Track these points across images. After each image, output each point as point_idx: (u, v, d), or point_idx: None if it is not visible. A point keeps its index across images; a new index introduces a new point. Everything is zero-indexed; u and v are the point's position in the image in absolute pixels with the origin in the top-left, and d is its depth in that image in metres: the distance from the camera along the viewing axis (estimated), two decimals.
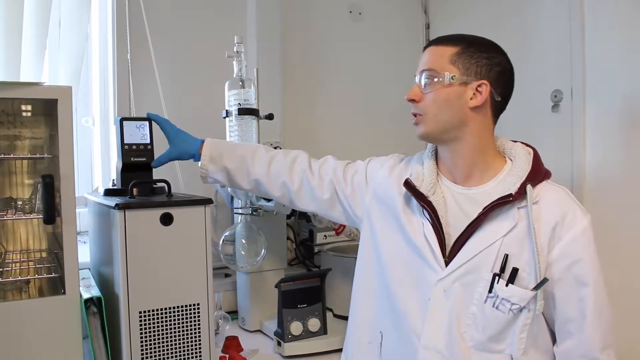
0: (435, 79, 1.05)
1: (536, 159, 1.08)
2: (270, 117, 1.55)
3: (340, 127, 2.18)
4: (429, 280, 1.05)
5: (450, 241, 1.06)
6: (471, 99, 1.04)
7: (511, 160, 1.09)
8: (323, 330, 1.43)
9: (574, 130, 1.67)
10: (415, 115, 1.09)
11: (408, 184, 1.11)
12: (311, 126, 2.13)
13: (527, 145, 1.12)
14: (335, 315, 1.56)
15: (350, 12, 2.22)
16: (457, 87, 1.04)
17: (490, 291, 1.00)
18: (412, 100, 1.08)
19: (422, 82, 1.07)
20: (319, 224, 1.51)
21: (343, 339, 1.40)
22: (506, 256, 1.00)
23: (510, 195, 1.01)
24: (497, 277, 1.00)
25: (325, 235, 1.83)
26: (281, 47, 1.98)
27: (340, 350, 1.39)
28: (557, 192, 1.05)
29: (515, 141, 1.13)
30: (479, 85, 1.04)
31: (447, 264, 1.04)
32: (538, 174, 1.05)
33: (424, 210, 1.08)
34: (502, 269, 1.00)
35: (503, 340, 1.01)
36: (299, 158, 1.31)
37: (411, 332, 1.06)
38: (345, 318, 1.53)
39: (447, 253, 1.05)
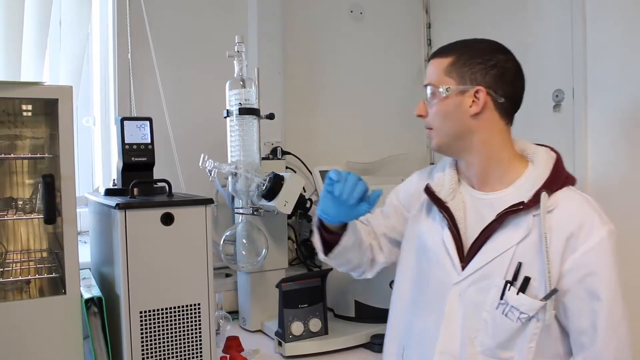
0: (434, 93, 1.06)
1: (557, 164, 1.05)
2: (271, 116, 1.55)
3: (341, 127, 2.18)
4: (445, 284, 1.05)
5: (468, 246, 1.05)
6: (470, 106, 1.03)
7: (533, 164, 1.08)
8: (324, 331, 1.43)
9: (576, 130, 1.66)
10: (428, 129, 1.10)
11: (428, 190, 1.11)
12: (312, 126, 2.12)
13: (552, 149, 1.09)
14: (336, 316, 1.56)
15: (352, 11, 2.22)
16: (455, 98, 1.04)
17: (501, 298, 0.99)
18: (420, 116, 1.09)
19: (426, 97, 1.08)
20: None
21: (344, 339, 1.41)
22: (519, 264, 0.99)
23: (521, 203, 0.99)
24: (508, 285, 0.99)
25: None
26: (282, 47, 1.98)
27: (340, 350, 1.40)
28: (576, 200, 1.01)
29: (541, 145, 1.11)
30: (476, 92, 1.03)
31: (464, 269, 1.04)
32: (557, 180, 1.02)
33: (442, 215, 1.08)
34: (515, 277, 0.99)
35: (512, 348, 0.99)
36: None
37: (428, 340, 1.06)
38: (346, 318, 1.54)
39: (464, 257, 1.05)
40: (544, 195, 0.99)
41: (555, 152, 1.09)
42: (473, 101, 1.03)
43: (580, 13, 1.65)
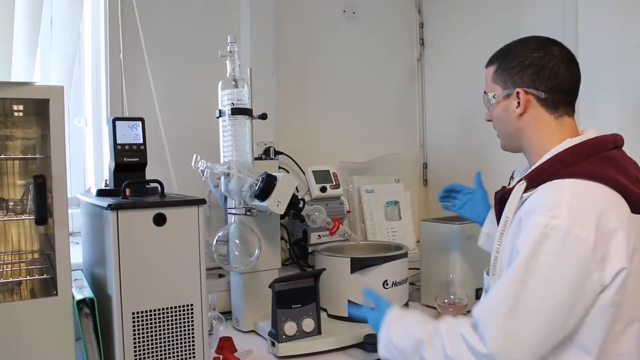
0: (487, 101, 1.17)
1: (562, 154, 1.03)
2: (263, 117, 1.55)
3: (334, 127, 2.18)
4: None
5: None
6: (517, 108, 1.11)
7: None
8: (317, 331, 1.43)
9: None
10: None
11: (511, 177, 1.23)
12: (305, 126, 2.12)
13: (611, 135, 1.06)
14: (330, 316, 1.56)
15: (344, 11, 2.22)
16: (503, 102, 1.14)
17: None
18: (489, 120, 1.21)
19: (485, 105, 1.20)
20: (312, 224, 1.51)
21: (337, 339, 1.40)
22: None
23: (498, 192, 1.12)
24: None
25: (319, 235, 1.82)
26: (275, 47, 1.97)
27: (334, 350, 1.40)
28: (548, 189, 1.01)
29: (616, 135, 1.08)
30: (517, 94, 1.10)
31: None
32: (545, 171, 1.03)
33: None
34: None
35: None
36: None
37: None
38: (339, 318, 1.54)
39: None
40: (521, 183, 1.05)
41: (590, 140, 1.05)
42: (518, 102, 1.11)
43: (573, 11, 1.66)
